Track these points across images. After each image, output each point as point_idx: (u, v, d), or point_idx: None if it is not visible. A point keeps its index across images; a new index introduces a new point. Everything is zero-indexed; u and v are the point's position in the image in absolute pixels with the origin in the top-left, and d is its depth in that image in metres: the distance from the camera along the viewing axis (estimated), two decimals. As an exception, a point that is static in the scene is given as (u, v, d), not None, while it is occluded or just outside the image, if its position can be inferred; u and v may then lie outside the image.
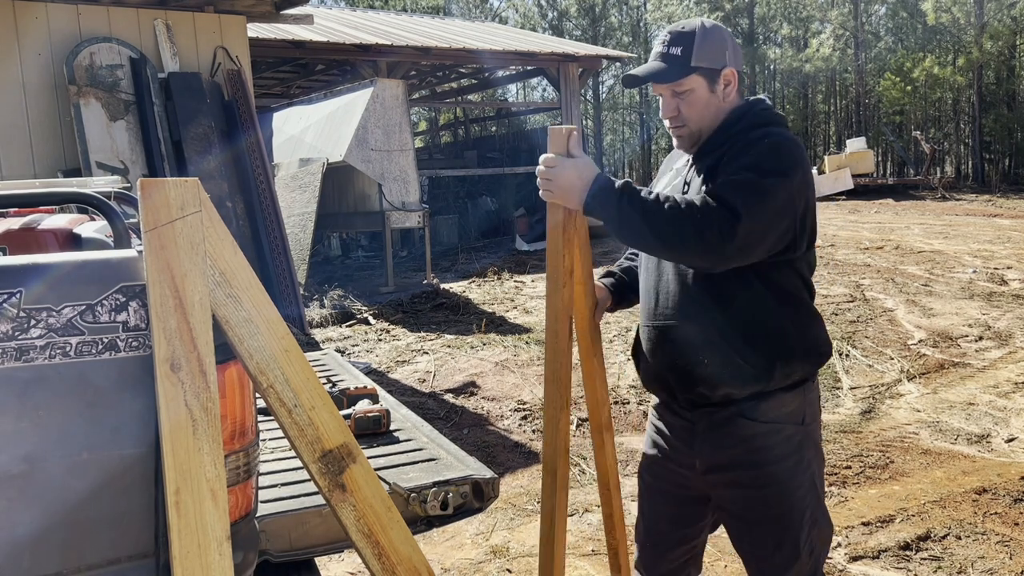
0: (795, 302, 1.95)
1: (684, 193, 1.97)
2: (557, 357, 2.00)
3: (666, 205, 1.78)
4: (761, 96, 2.08)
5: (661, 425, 2.14)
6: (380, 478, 2.09)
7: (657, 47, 1.99)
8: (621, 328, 7.61)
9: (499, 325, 8.53)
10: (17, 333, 1.31)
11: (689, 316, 1.96)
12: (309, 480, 2.14)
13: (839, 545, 3.46)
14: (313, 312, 8.99)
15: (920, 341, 7.01)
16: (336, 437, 1.56)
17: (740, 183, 1.80)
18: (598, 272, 2.21)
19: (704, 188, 1.89)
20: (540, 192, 1.90)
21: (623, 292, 2.23)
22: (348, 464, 1.57)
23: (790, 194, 1.81)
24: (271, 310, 1.52)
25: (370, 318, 9.05)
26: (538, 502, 4.04)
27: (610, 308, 2.22)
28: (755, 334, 1.93)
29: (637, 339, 2.14)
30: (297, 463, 2.30)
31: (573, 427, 5.21)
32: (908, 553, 3.38)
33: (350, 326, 8.80)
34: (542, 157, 1.89)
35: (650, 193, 1.82)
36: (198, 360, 1.44)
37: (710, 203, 1.78)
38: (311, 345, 7.27)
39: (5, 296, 1.30)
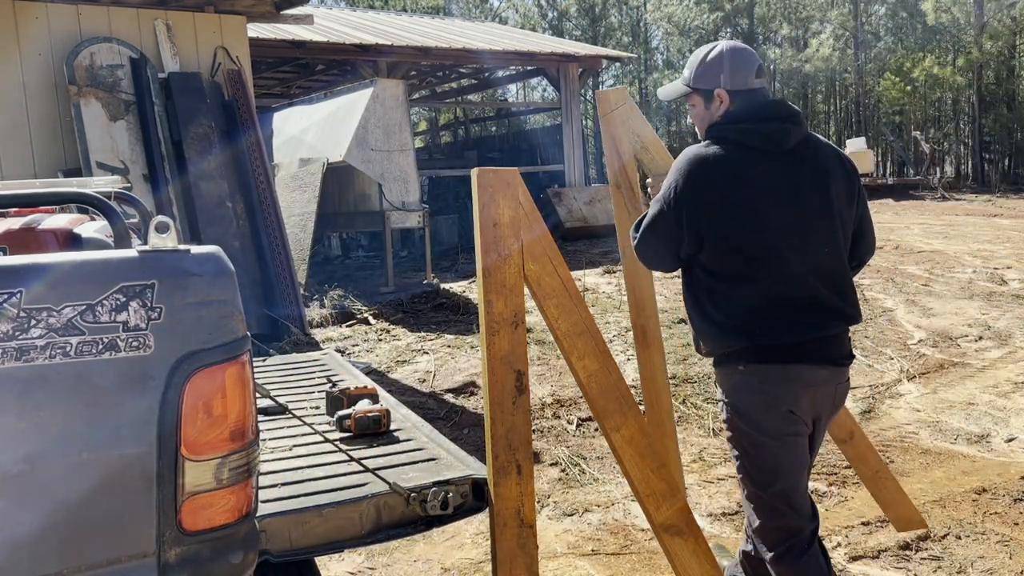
0: (702, 290, 2.40)
1: None
2: (503, 417, 2.29)
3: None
4: (731, 118, 2.41)
5: None
6: (380, 478, 2.09)
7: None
8: (621, 328, 7.61)
9: (499, 325, 8.48)
10: (17, 333, 1.31)
11: None
12: (309, 480, 2.15)
13: (839, 545, 3.46)
14: (313, 312, 8.98)
15: (920, 341, 7.01)
16: None
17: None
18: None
19: None
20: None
21: None
22: None
23: (664, 215, 2.33)
24: (670, 159, 2.91)
25: (370, 318, 9.04)
26: (538, 501, 4.03)
27: None
28: (689, 311, 2.51)
29: None
30: (297, 463, 2.29)
31: (573, 427, 5.21)
32: (908, 553, 3.38)
33: (350, 326, 8.79)
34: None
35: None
36: (629, 184, 3.08)
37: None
38: (311, 345, 7.27)
39: (5, 296, 1.30)
